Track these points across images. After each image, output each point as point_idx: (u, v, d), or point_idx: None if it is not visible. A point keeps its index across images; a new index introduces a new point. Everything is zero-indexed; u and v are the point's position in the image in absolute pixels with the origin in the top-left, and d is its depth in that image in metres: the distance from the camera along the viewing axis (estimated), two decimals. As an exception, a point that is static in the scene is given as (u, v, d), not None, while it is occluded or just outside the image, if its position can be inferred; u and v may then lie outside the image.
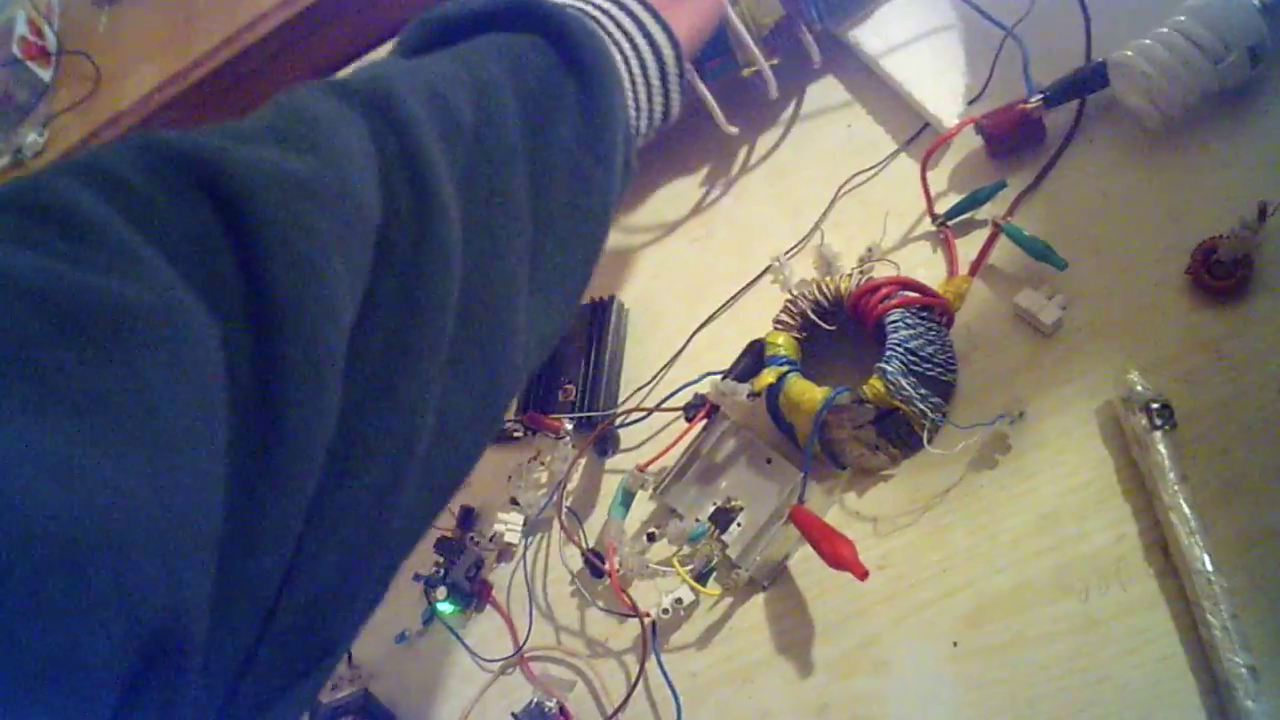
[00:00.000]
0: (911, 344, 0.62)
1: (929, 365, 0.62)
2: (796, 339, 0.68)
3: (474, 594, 0.76)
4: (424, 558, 0.78)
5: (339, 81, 0.42)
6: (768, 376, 0.65)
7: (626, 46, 0.56)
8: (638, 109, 0.57)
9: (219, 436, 0.29)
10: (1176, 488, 0.56)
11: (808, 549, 0.64)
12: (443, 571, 0.76)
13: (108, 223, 0.29)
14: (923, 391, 0.62)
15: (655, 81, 0.58)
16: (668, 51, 0.58)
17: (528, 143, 0.47)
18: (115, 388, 0.27)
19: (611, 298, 0.79)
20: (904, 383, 0.61)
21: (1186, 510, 0.55)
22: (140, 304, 0.28)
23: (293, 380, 0.32)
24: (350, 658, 0.78)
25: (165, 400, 0.28)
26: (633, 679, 0.68)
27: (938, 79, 0.74)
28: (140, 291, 0.28)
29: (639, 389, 0.77)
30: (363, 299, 0.36)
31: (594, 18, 0.55)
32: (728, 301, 0.76)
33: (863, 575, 0.58)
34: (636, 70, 0.56)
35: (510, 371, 0.45)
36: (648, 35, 0.57)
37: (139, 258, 0.29)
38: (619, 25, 0.56)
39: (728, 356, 0.72)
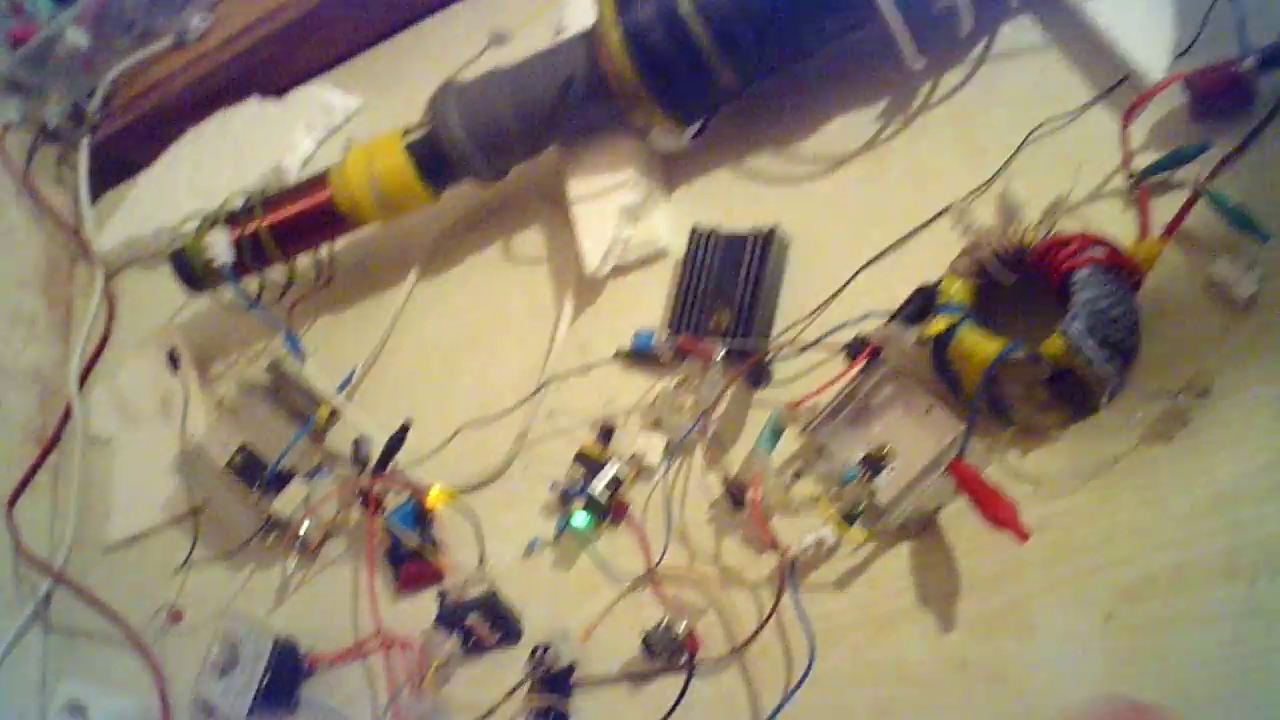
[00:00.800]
0: (1098, 304, 0.59)
1: (1113, 328, 0.60)
2: (973, 287, 0.66)
3: (610, 510, 0.76)
4: (560, 468, 0.79)
5: None
6: (940, 323, 0.64)
7: None
8: None
9: None
10: (1368, 482, 0.53)
11: (960, 503, 0.62)
12: (580, 485, 0.76)
13: None
14: (1104, 354, 0.59)
15: None
16: None
17: None
18: None
19: (773, 229, 0.77)
20: (1086, 344, 0.59)
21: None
22: None
23: None
24: (481, 559, 0.79)
25: None
26: (765, 613, 0.67)
27: (1144, 28, 0.70)
28: None
29: (795, 323, 0.75)
30: None
31: None
32: (897, 242, 0.74)
33: (1024, 537, 0.56)
34: None
35: None
36: None
37: None
38: None
39: (890, 299, 0.70)
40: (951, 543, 0.64)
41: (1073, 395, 0.61)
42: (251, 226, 0.95)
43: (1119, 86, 0.70)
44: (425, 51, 1.14)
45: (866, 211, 0.77)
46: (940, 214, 0.73)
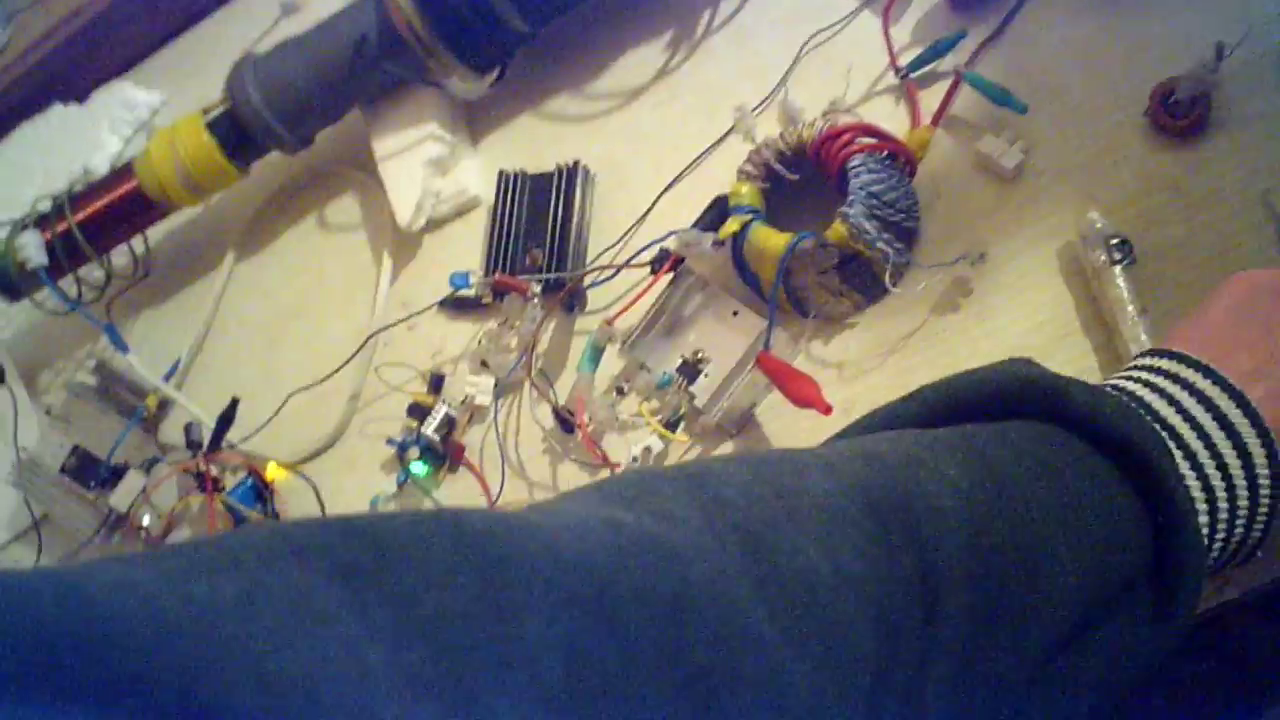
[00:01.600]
0: (874, 188, 0.62)
1: (891, 210, 0.63)
2: (760, 189, 0.68)
3: (446, 455, 0.77)
4: (396, 424, 0.79)
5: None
6: (732, 225, 0.66)
7: (1206, 458, 0.45)
8: (1211, 537, 0.45)
9: None
10: (1136, 319, 0.57)
11: (775, 398, 0.65)
12: (415, 434, 0.77)
13: None
14: (885, 236, 0.62)
15: (1243, 502, 0.45)
16: (1258, 453, 0.45)
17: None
18: None
19: (577, 163, 0.79)
20: (867, 225, 0.61)
21: (1146, 341, 0.56)
22: None
23: None
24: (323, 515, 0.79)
25: None
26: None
27: (901, -66, 0.73)
28: None
29: (606, 249, 0.77)
30: None
31: (1146, 403, 0.46)
32: (693, 162, 0.76)
33: (827, 410, 0.59)
34: (1219, 489, 0.45)
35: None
36: (1228, 428, 0.45)
37: None
38: (1186, 416, 0.46)
39: (693, 217, 0.72)
40: (769, 435, 0.66)
41: (863, 278, 0.64)
42: (62, 225, 0.93)
43: (882, -10, 0.74)
44: (223, 38, 1.12)
45: (664, 138, 0.79)
46: (729, 132, 0.76)
